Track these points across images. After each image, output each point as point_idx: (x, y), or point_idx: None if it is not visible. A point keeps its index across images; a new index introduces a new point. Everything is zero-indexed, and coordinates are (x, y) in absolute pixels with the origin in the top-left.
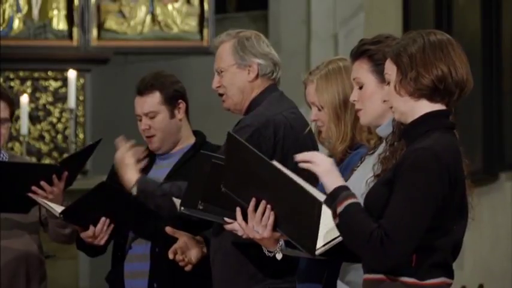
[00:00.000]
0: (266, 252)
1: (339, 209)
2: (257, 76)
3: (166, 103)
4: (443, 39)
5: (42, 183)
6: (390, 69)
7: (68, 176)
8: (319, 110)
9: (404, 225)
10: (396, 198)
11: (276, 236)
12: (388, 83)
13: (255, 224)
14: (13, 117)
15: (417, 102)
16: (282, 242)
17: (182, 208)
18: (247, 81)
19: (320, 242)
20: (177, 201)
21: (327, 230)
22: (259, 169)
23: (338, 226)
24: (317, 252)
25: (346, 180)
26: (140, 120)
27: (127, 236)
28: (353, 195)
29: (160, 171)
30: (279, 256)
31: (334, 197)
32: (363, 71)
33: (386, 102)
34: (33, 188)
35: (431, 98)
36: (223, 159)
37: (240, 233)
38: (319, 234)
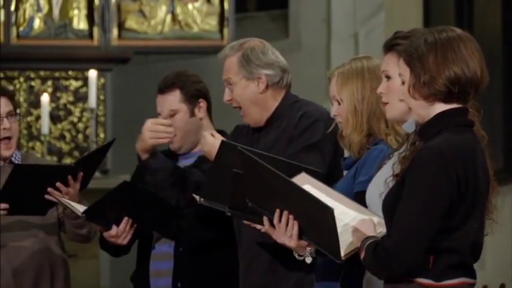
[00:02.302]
0: (296, 256)
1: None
2: (267, 87)
3: (186, 101)
4: (453, 36)
5: (58, 184)
6: (404, 70)
7: (83, 176)
8: (339, 104)
9: (410, 227)
10: (403, 200)
11: (303, 245)
12: (403, 83)
13: (281, 234)
14: (17, 112)
15: (432, 105)
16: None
17: (202, 200)
18: (257, 93)
19: (347, 249)
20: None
21: (348, 236)
22: (274, 182)
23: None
24: (344, 258)
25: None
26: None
27: (152, 235)
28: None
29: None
30: (308, 260)
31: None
32: (392, 64)
33: (404, 101)
34: (49, 189)
35: (446, 100)
36: (243, 168)
37: (258, 227)
38: (345, 241)
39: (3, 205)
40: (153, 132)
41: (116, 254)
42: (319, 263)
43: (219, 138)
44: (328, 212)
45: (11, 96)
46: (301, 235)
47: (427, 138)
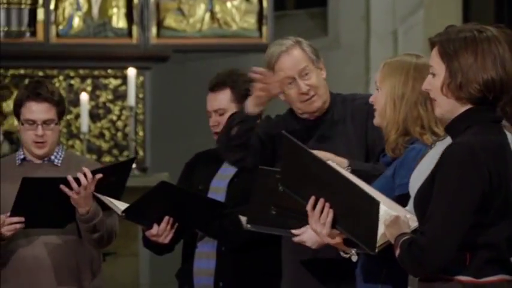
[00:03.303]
0: (342, 254)
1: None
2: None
3: (237, 101)
4: (492, 37)
5: (69, 178)
6: (437, 64)
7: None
8: (378, 92)
9: (443, 224)
10: (434, 196)
11: (334, 234)
12: (434, 75)
13: (314, 222)
14: (62, 117)
15: (461, 105)
16: None
17: (249, 226)
18: (323, 79)
19: (379, 241)
20: (243, 218)
21: (381, 229)
22: (316, 169)
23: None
24: (377, 250)
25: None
26: (210, 117)
27: (196, 234)
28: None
29: (229, 170)
30: (354, 258)
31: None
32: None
33: (427, 90)
34: (62, 185)
35: (477, 103)
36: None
37: (308, 244)
38: (380, 232)
39: (18, 218)
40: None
41: (159, 252)
42: (360, 264)
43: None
44: (374, 204)
45: (56, 102)
46: (333, 225)
47: (456, 134)
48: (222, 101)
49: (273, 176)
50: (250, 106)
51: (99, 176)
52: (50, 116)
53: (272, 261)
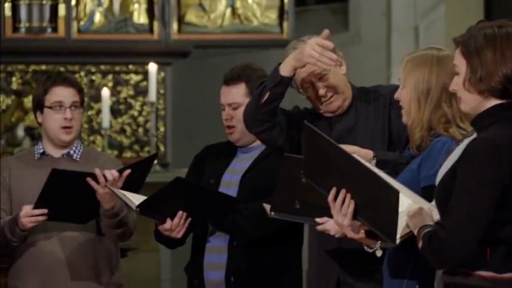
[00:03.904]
0: (366, 249)
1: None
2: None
3: (250, 95)
4: (511, 32)
5: (97, 171)
6: (459, 62)
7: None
8: (402, 88)
9: (463, 218)
10: (456, 190)
11: (356, 225)
12: (457, 74)
13: (335, 212)
14: (83, 106)
15: (486, 99)
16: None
17: (272, 213)
18: (343, 75)
19: (401, 232)
20: (267, 206)
21: (403, 220)
22: (337, 159)
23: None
24: (398, 241)
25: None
26: (223, 110)
27: (207, 228)
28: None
29: (241, 164)
30: (378, 253)
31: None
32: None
33: (454, 91)
34: (88, 178)
35: (500, 97)
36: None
37: (332, 233)
38: (400, 223)
39: (41, 211)
40: (318, 52)
41: (171, 246)
42: (387, 256)
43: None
44: (394, 193)
45: (79, 89)
46: (355, 215)
47: (480, 130)
48: (237, 94)
49: (297, 164)
50: (286, 68)
51: (127, 172)
52: (77, 99)
53: (284, 258)
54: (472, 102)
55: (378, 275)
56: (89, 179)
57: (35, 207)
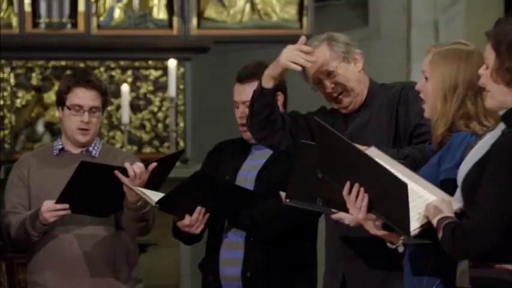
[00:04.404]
0: (388, 245)
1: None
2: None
3: None
4: None
5: (127, 165)
6: (489, 55)
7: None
8: (426, 81)
9: (489, 211)
10: (484, 184)
11: (371, 218)
12: (487, 67)
13: (350, 206)
14: (105, 108)
15: None
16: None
17: (288, 201)
18: (357, 71)
19: (416, 224)
20: (283, 194)
21: (419, 212)
22: (348, 153)
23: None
24: (412, 234)
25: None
26: (237, 107)
27: (223, 224)
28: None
29: (256, 161)
30: (400, 249)
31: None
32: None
33: (483, 85)
34: (116, 171)
35: None
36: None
37: (346, 222)
38: (415, 216)
39: (63, 206)
40: (293, 54)
41: (188, 242)
42: (407, 253)
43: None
44: (402, 186)
45: (102, 92)
46: (370, 208)
47: (511, 124)
48: (251, 92)
49: (313, 151)
50: (265, 78)
51: (152, 166)
52: (97, 103)
53: (301, 253)
54: (499, 95)
55: (380, 272)
56: (117, 172)
57: (58, 202)
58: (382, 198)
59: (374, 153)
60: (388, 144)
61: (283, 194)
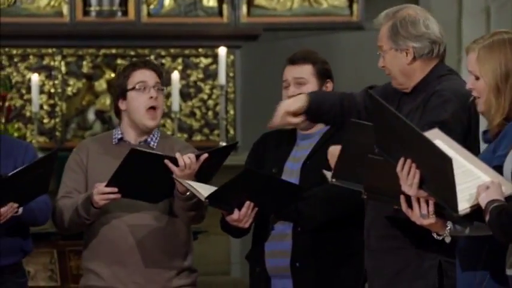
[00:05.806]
0: (435, 236)
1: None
2: (414, 58)
3: (317, 76)
4: None
5: (178, 155)
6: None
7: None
8: (476, 79)
9: None
10: None
11: (422, 195)
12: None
13: (403, 182)
14: (164, 90)
15: None
16: (450, 225)
17: (334, 180)
18: (406, 64)
19: (465, 204)
20: (328, 173)
21: (471, 193)
22: (400, 129)
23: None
24: (460, 213)
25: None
26: (286, 87)
27: (268, 216)
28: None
29: (301, 152)
30: (447, 239)
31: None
32: None
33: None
34: (166, 160)
35: None
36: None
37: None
38: (465, 196)
39: (112, 189)
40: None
41: (237, 235)
42: (461, 243)
43: None
44: (447, 161)
45: (160, 73)
46: (421, 185)
47: None
48: (304, 71)
49: (363, 130)
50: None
51: (204, 157)
52: (159, 81)
53: (349, 242)
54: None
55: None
56: (167, 161)
57: (108, 185)
58: (432, 175)
59: (437, 135)
60: None
61: (328, 174)
